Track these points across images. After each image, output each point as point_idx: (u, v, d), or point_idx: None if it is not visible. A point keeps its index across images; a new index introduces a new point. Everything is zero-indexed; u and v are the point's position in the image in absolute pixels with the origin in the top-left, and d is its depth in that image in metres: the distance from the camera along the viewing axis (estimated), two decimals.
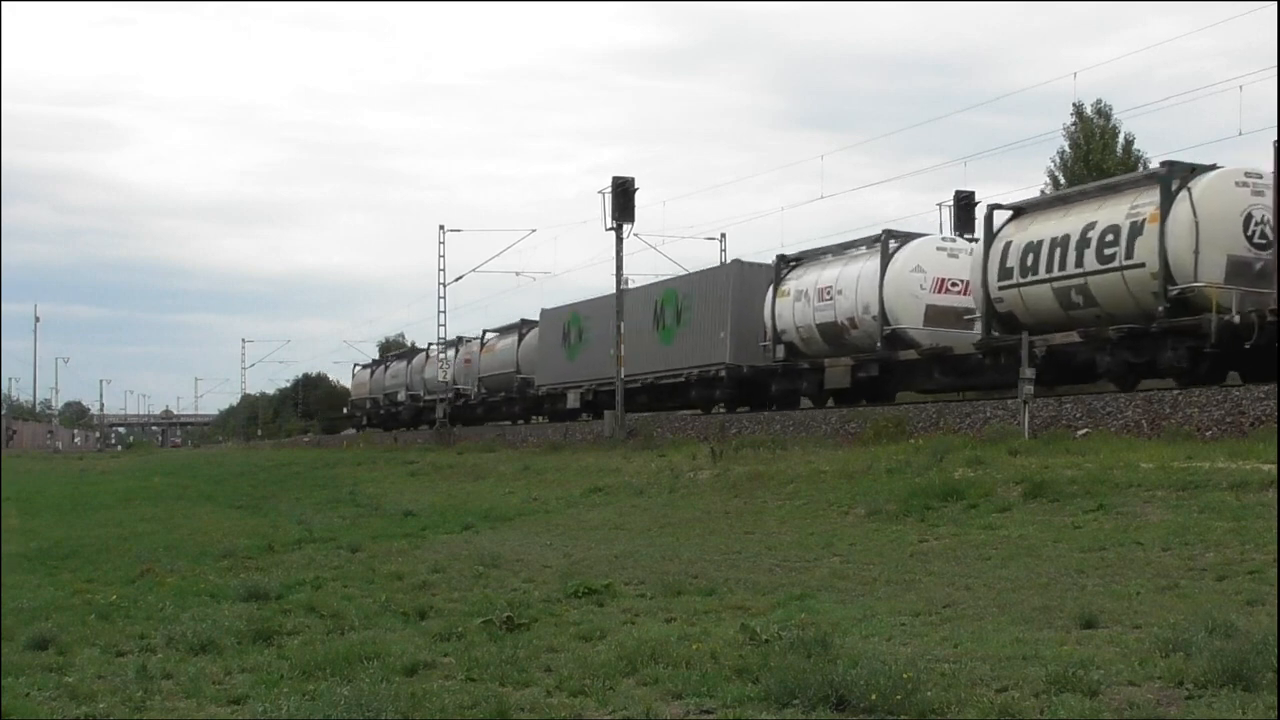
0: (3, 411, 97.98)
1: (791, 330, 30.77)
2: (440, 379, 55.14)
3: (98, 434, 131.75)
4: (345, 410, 79.35)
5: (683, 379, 35.16)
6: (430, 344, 58.78)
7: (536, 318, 48.82)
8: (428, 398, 57.06)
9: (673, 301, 36.45)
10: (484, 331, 53.68)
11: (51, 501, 28.90)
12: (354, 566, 14.78)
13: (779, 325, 31.14)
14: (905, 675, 7.01)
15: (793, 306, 30.72)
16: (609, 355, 37.35)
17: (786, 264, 31.93)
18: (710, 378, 33.97)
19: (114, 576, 14.18)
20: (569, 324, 43.19)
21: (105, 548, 17.63)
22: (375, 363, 73.24)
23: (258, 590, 12.07)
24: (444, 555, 15.61)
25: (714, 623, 9.85)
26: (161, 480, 36.86)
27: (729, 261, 33.58)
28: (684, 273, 39.06)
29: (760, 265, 33.81)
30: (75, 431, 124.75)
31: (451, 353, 55.35)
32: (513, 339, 49.86)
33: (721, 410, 34.45)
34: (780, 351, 31.11)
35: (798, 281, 30.99)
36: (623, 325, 38.35)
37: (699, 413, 35.31)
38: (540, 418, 47.18)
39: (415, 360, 62.24)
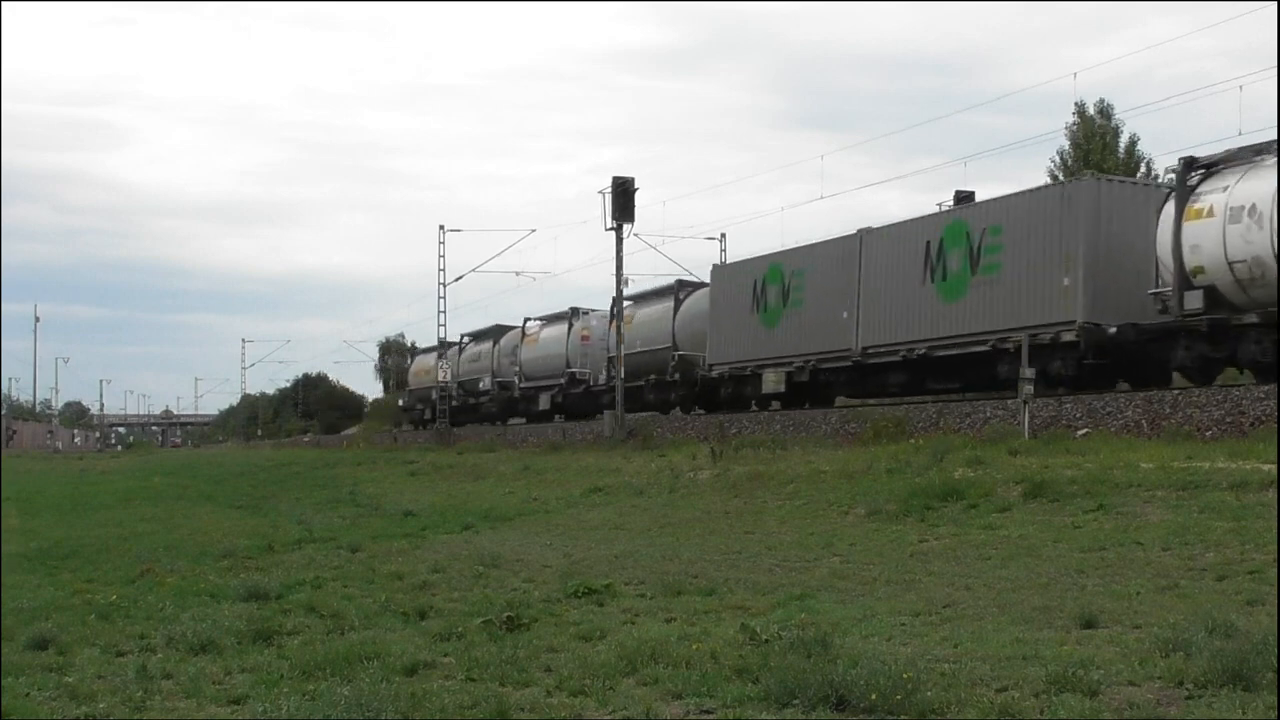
0: (3, 411, 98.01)
1: (1219, 268, 20.65)
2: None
3: (98, 434, 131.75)
4: (401, 403, 67.06)
5: (986, 348, 24.77)
6: (527, 320, 49.00)
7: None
8: (525, 385, 47.35)
9: (961, 239, 25.74)
10: (614, 300, 42.58)
11: (51, 501, 28.91)
12: (354, 566, 14.79)
13: (1191, 261, 21.03)
14: (905, 675, 7.01)
15: (1222, 231, 20.55)
16: (843, 318, 28.83)
17: (1196, 170, 21.61)
18: (1044, 344, 23.32)
19: (114, 576, 14.19)
20: (764, 281, 32.29)
21: (105, 548, 17.64)
22: (444, 345, 60.40)
23: (258, 590, 12.08)
24: (444, 555, 15.62)
25: (714, 623, 9.85)
26: (161, 480, 36.86)
27: (1081, 176, 23.82)
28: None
29: (1131, 182, 24.49)
30: (75, 431, 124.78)
31: (562, 328, 45.26)
32: (664, 306, 38.64)
33: (1062, 392, 23.53)
34: (1194, 300, 20.97)
35: (1229, 194, 20.72)
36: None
37: (1007, 397, 23.72)
38: (698, 409, 36.43)
39: (505, 340, 50.99)
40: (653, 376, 37.94)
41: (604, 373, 40.75)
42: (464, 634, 9.59)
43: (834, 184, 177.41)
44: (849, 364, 28.86)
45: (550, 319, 47.11)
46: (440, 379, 53.80)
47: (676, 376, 36.91)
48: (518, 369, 48.37)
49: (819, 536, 15.17)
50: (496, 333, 51.72)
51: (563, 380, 44.06)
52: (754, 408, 32.83)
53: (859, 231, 29.10)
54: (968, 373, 26.04)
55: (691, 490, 21.25)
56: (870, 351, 28.12)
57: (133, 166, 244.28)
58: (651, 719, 6.94)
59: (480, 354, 53.46)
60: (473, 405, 53.71)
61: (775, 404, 31.80)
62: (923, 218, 27.91)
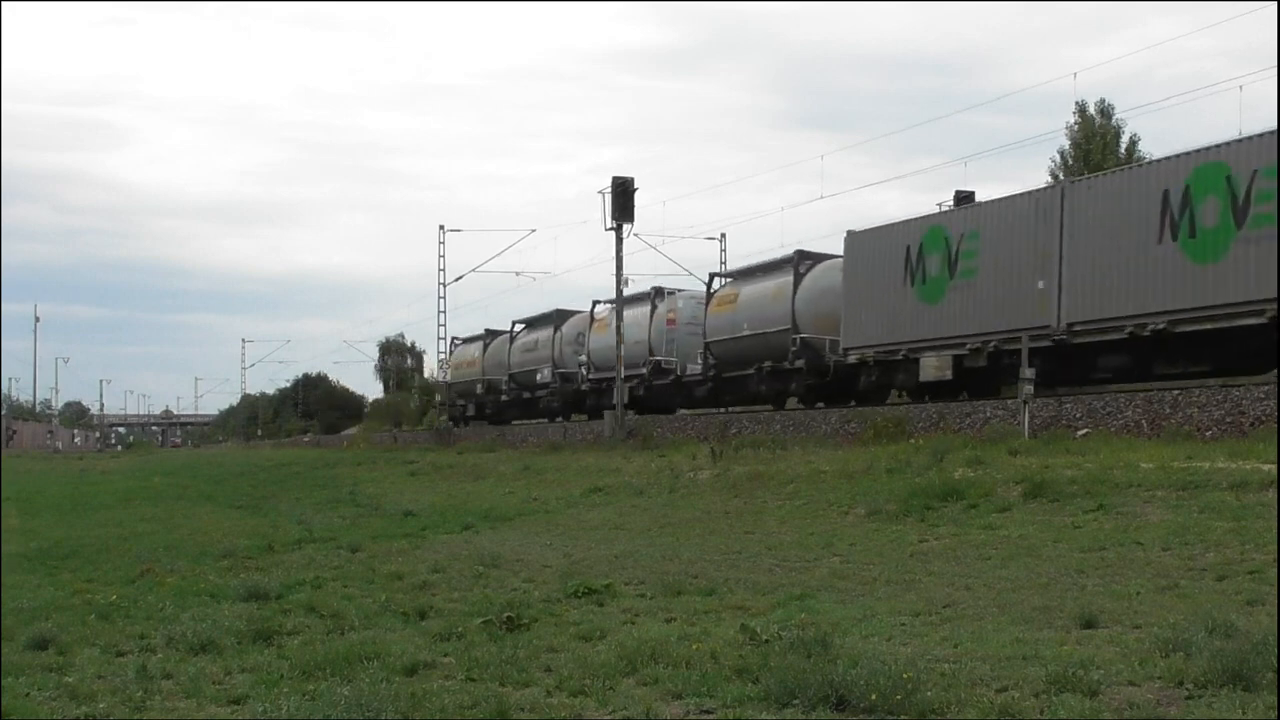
0: (3, 411, 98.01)
1: None
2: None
3: (98, 434, 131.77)
4: (438, 397, 60.04)
5: (1260, 320, 20.05)
6: (596, 302, 43.30)
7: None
8: (595, 376, 41.34)
9: (1218, 186, 20.62)
10: (712, 276, 37.46)
11: (51, 501, 28.90)
12: (354, 566, 14.78)
13: None
14: (905, 675, 7.01)
15: None
16: (1038, 288, 23.89)
17: None
18: None
19: (114, 576, 14.19)
20: (921, 247, 27.02)
21: (105, 548, 17.64)
22: (490, 333, 53.23)
23: (258, 590, 12.08)
24: (444, 555, 15.62)
25: (714, 623, 9.85)
26: (161, 480, 36.86)
27: None
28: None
29: None
30: (75, 431, 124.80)
31: (642, 310, 39.53)
32: (779, 281, 32.88)
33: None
34: None
35: None
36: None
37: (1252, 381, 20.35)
38: (820, 403, 31.12)
39: (569, 326, 45.09)
40: (768, 364, 32.48)
41: (697, 360, 36.15)
42: (464, 634, 9.58)
43: (834, 184, 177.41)
44: (1047, 344, 23.68)
45: (625, 300, 41.86)
46: (441, 378, 53.36)
47: (799, 364, 31.28)
48: (584, 358, 42.82)
49: (819, 536, 15.17)
50: (558, 318, 45.67)
51: (644, 370, 38.71)
52: (902, 399, 28.23)
53: (1059, 183, 24.29)
54: (1226, 351, 21.21)
55: (691, 490, 21.25)
56: (1078, 328, 23.22)
57: (133, 166, 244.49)
58: (651, 719, 6.94)
59: (538, 342, 46.72)
60: (528, 400, 47.57)
61: (927, 396, 27.05)
62: (1155, 163, 22.81)
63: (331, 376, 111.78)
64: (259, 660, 8.87)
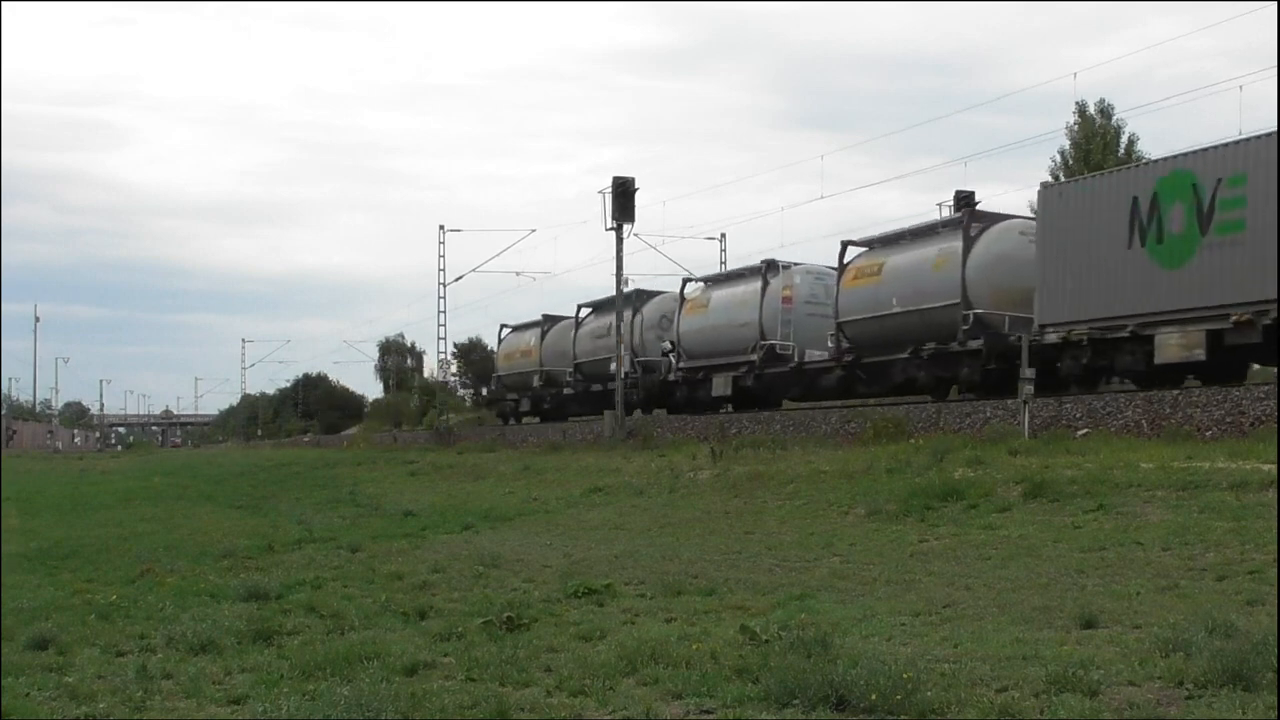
0: (3, 411, 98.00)
1: None
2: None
3: (98, 434, 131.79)
4: (485, 392, 55.19)
5: None
6: (687, 280, 38.73)
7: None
8: (686, 365, 36.73)
9: None
10: (845, 244, 31.22)
11: (51, 501, 28.90)
12: (354, 566, 14.78)
13: None
14: (905, 675, 7.01)
15: None
16: None
17: None
18: None
19: (114, 576, 14.19)
20: (1156, 198, 21.61)
21: (105, 548, 17.64)
22: (550, 319, 47.52)
23: (258, 590, 12.08)
24: (444, 555, 15.62)
25: (714, 623, 9.85)
26: (161, 480, 36.84)
27: None
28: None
29: None
30: (75, 431, 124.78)
31: (749, 287, 34.47)
32: (941, 248, 27.53)
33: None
34: None
35: None
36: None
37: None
38: (1006, 396, 23.83)
39: (650, 308, 40.03)
40: (930, 346, 27.29)
41: (827, 343, 30.96)
42: (464, 634, 9.58)
43: (834, 184, 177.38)
44: None
45: (724, 278, 37.09)
46: (440, 377, 53.25)
47: (972, 345, 26.04)
48: (669, 345, 38.00)
49: (819, 536, 15.17)
50: (637, 299, 39.98)
51: (754, 356, 33.35)
52: (1126, 385, 23.20)
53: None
54: None
55: (691, 490, 21.26)
56: None
57: (133, 166, 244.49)
58: (651, 719, 6.94)
59: (611, 328, 40.78)
60: (598, 393, 41.93)
61: (1154, 382, 21.75)
62: None
63: (331, 376, 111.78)
64: (259, 660, 8.87)
